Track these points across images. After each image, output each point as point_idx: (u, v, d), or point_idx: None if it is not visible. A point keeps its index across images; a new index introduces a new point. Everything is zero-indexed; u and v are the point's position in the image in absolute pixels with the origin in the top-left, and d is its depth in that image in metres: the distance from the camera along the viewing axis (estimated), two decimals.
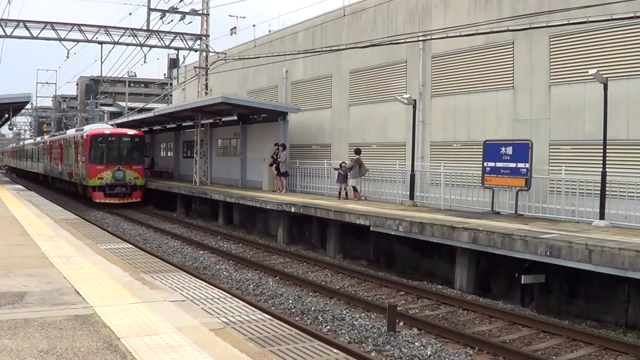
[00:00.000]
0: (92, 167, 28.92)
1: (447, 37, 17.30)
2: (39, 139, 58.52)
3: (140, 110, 43.37)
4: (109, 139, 29.93)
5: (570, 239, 10.98)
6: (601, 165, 13.40)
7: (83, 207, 29.03)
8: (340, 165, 20.96)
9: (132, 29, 28.40)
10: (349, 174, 20.48)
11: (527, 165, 14.87)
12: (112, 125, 36.64)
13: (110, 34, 28.12)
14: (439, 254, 14.83)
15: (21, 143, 73.15)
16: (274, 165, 23.86)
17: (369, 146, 22.00)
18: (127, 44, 28.95)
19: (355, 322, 10.14)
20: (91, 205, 29.62)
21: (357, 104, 23.19)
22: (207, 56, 30.62)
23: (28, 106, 50.92)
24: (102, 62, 34.61)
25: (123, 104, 68.30)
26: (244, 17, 59.72)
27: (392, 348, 8.88)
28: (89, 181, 28.93)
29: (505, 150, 15.45)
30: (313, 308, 11.10)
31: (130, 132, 30.75)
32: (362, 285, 13.80)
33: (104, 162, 29.19)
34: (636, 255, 9.75)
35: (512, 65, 17.04)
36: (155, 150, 42.06)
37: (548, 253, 11.05)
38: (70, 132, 39.62)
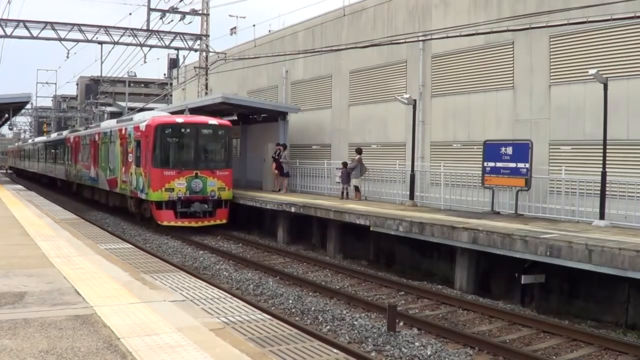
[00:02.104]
0: (157, 174, 19.95)
1: (447, 37, 17.30)
2: (54, 135, 46.30)
3: (140, 110, 43.29)
4: (183, 130, 20.83)
5: (570, 239, 10.97)
6: (601, 165, 13.39)
7: (83, 207, 28.60)
8: (344, 165, 20.96)
9: (132, 29, 28.41)
10: (351, 174, 20.50)
11: (527, 165, 14.87)
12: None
13: (110, 34, 28.13)
14: (439, 254, 14.84)
15: (30, 141, 63.56)
16: (276, 165, 23.85)
17: (369, 146, 21.99)
18: (127, 44, 28.97)
19: (355, 322, 10.14)
20: (96, 208, 28.48)
21: (357, 104, 23.18)
22: (207, 56, 30.63)
23: (28, 106, 50.84)
24: (102, 62, 34.70)
25: (123, 104, 68.27)
26: (244, 17, 59.61)
27: (392, 348, 8.88)
28: (152, 194, 19.94)
29: (505, 150, 15.45)
30: (313, 308, 11.10)
31: (213, 120, 21.66)
32: (362, 285, 13.80)
33: (176, 166, 20.27)
34: (636, 255, 9.75)
35: (512, 65, 17.04)
36: None
37: (548, 253, 11.04)
38: (108, 123, 29.85)
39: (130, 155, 22.15)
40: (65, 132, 39.45)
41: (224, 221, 20.77)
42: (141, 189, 20.84)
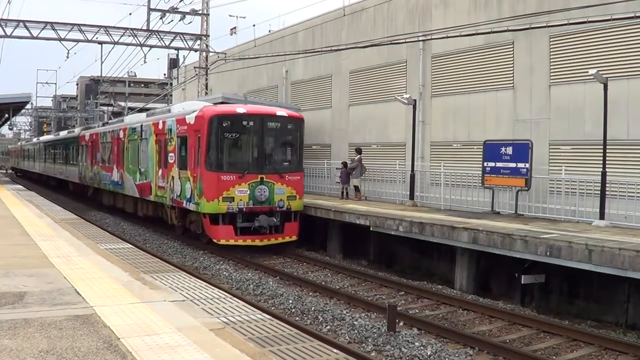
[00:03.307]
0: (212, 179, 15.94)
1: (447, 37, 17.29)
2: (63, 133, 42.21)
3: (141, 110, 43.30)
4: (245, 123, 16.54)
5: (570, 239, 10.98)
6: (601, 165, 13.39)
7: (83, 207, 28.46)
8: (344, 165, 20.95)
9: (132, 29, 28.39)
10: (351, 174, 20.50)
11: (527, 165, 14.87)
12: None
13: (110, 34, 28.11)
14: (439, 254, 14.84)
15: (34, 139, 58.75)
16: None
17: (369, 146, 21.99)
18: (127, 44, 28.94)
19: (355, 322, 10.14)
20: (94, 207, 28.36)
21: (357, 104, 23.18)
22: (207, 56, 30.61)
23: (28, 106, 50.81)
24: (102, 62, 34.61)
25: (123, 104, 68.27)
26: (244, 17, 59.76)
27: (392, 348, 8.88)
28: (205, 205, 16.01)
29: (505, 150, 15.45)
30: (313, 308, 11.10)
31: (282, 111, 17.72)
32: (362, 285, 13.80)
33: (236, 169, 16.24)
34: (636, 255, 9.75)
35: (512, 65, 17.04)
36: None
37: (548, 253, 11.05)
38: (135, 117, 25.15)
39: (171, 155, 18.12)
40: (77, 130, 35.69)
41: (294, 238, 17.06)
42: (188, 197, 16.84)
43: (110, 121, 31.98)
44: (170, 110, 20.26)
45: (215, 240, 16.24)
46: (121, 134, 23.71)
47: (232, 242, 16.09)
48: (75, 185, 32.79)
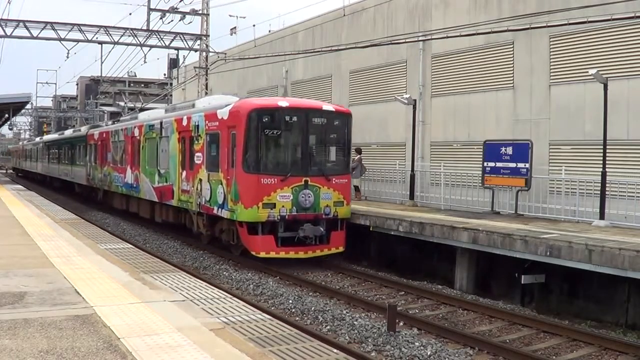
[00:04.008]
0: (252, 182, 14.13)
1: (447, 37, 17.30)
2: (68, 132, 40.40)
3: (141, 110, 43.27)
4: (288, 118, 14.69)
5: (570, 239, 10.98)
6: (601, 165, 13.39)
7: (83, 207, 28.44)
8: None
9: (132, 29, 28.39)
10: (351, 174, 20.47)
11: (527, 165, 14.87)
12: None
13: (110, 34, 28.12)
14: (439, 254, 14.83)
15: (37, 139, 56.20)
16: None
17: (369, 146, 21.99)
18: (127, 44, 28.94)
19: (355, 322, 10.14)
20: (96, 208, 28.31)
21: (357, 104, 23.17)
22: (207, 56, 30.61)
23: (28, 106, 50.87)
24: (102, 62, 34.56)
25: (123, 103, 68.28)
26: (244, 17, 59.74)
27: (392, 348, 8.87)
28: (242, 212, 14.11)
29: (505, 150, 15.45)
30: (313, 308, 11.10)
31: (328, 105, 15.89)
32: (362, 285, 13.79)
33: (279, 171, 14.45)
34: (636, 255, 9.75)
35: (512, 65, 17.05)
36: None
37: (548, 253, 11.05)
38: (153, 113, 23.64)
39: (199, 155, 16.25)
40: (84, 128, 34.02)
41: (341, 249, 15.18)
42: (220, 203, 14.95)
43: (121, 118, 29.60)
44: (195, 105, 18.24)
45: (253, 253, 14.30)
46: (136, 132, 21.79)
47: (272, 254, 14.18)
48: (82, 187, 31.22)
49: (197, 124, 16.48)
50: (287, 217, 14.20)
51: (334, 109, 15.52)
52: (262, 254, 14.14)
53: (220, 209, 15.03)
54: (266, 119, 14.35)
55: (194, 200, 16.51)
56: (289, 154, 15.21)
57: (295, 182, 14.27)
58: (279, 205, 14.07)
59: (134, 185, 21.82)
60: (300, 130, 14.86)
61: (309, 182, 14.42)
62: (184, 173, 17.25)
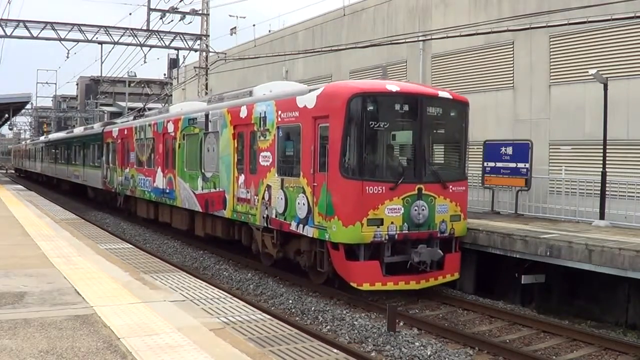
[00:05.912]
0: (354, 191, 10.74)
1: (447, 37, 17.30)
2: (79, 129, 37.06)
3: (140, 111, 43.18)
4: (398, 107, 11.39)
5: (571, 239, 10.98)
6: (601, 165, 13.40)
7: (83, 207, 28.37)
8: None
9: (132, 29, 28.42)
10: None
11: (527, 165, 14.87)
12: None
13: (110, 34, 28.14)
14: None
15: (42, 138, 52.16)
16: None
17: None
18: (127, 44, 28.97)
19: (355, 322, 10.13)
20: (93, 207, 28.53)
21: None
22: (207, 56, 30.63)
23: (28, 106, 50.89)
24: (102, 62, 34.68)
25: (123, 104, 68.27)
26: (244, 17, 59.85)
27: (392, 348, 8.87)
28: (338, 231, 10.71)
29: (505, 150, 15.45)
30: (313, 308, 11.09)
31: (444, 92, 12.13)
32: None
33: (388, 176, 11.34)
34: (636, 255, 9.75)
35: (512, 65, 17.05)
36: None
37: (548, 253, 11.05)
38: (189, 105, 20.26)
39: (266, 154, 12.93)
40: (97, 125, 31.37)
41: (456, 276, 12.12)
42: (301, 217, 11.63)
43: (148, 113, 25.75)
44: (252, 92, 14.69)
45: (352, 284, 10.88)
46: (170, 127, 18.25)
47: (378, 286, 10.87)
48: (97, 192, 27.60)
49: (262, 115, 13.09)
50: (396, 236, 10.94)
51: (452, 96, 12.07)
52: (366, 286, 10.80)
53: (301, 225, 11.65)
54: (371, 108, 11.02)
55: (257, 212, 13.22)
56: (399, 155, 12.45)
57: (407, 190, 10.99)
58: (387, 221, 10.79)
59: (167, 191, 18.45)
60: (413, 123, 11.53)
61: (423, 191, 11.18)
62: (242, 177, 13.98)
